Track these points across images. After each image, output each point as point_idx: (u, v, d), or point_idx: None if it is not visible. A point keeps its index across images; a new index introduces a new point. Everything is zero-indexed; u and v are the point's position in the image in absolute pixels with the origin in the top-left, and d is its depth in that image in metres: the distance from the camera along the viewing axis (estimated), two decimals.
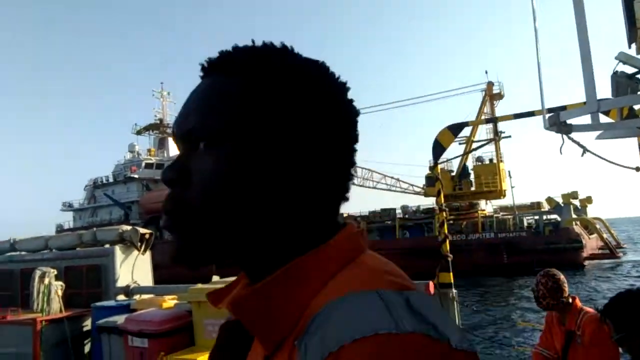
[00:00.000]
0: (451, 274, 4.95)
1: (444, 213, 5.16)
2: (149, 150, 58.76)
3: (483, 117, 37.78)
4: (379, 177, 45.70)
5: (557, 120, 2.60)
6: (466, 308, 7.62)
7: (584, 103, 3.01)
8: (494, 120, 6.88)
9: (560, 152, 3.12)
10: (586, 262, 33.96)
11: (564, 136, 3.16)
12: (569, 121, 2.87)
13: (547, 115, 2.60)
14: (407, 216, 41.50)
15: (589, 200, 37.79)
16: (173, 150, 58.12)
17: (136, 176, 53.96)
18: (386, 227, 41.35)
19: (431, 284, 4.42)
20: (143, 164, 54.91)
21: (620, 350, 2.65)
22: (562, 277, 3.44)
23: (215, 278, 4.70)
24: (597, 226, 36.38)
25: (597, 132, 3.09)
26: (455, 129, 4.97)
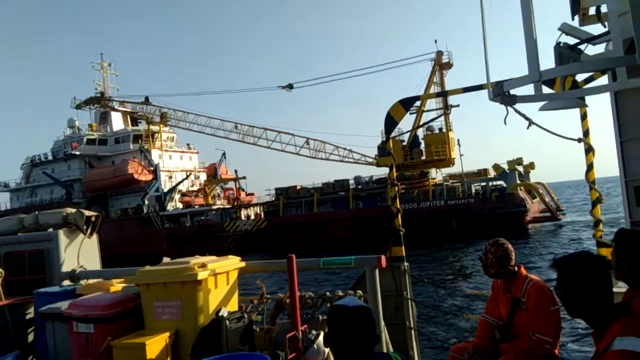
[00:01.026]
0: (403, 247, 5.01)
1: (397, 187, 5.19)
2: (90, 126, 55.79)
3: (433, 89, 38.42)
4: (331, 148, 45.87)
5: (501, 91, 2.60)
6: (418, 280, 7.82)
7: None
8: (444, 93, 7.01)
9: (505, 123, 3.17)
10: (530, 225, 35.77)
11: (508, 107, 3.20)
12: (513, 92, 2.90)
13: (492, 87, 2.59)
14: (360, 187, 42.05)
15: (531, 166, 39.50)
16: (117, 124, 55.59)
17: (78, 153, 51.51)
18: (340, 198, 41.79)
19: (383, 257, 4.46)
20: (84, 140, 52.39)
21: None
22: (510, 246, 3.54)
23: (166, 259, 4.60)
24: (540, 191, 38.17)
25: (541, 104, 3.15)
26: (407, 103, 4.96)
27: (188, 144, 58.32)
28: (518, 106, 2.92)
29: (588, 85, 3.72)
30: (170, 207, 49.11)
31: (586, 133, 4.30)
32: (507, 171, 36.99)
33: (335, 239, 35.52)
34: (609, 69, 3.23)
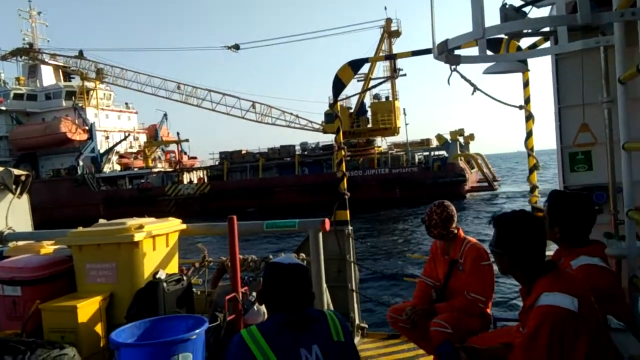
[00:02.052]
0: (348, 211, 5.03)
1: (343, 151, 5.16)
2: (17, 79, 51.59)
3: (382, 54, 38.49)
4: (277, 113, 45.30)
5: (445, 48, 2.57)
6: (361, 244, 7.95)
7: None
8: (392, 56, 7.03)
9: (448, 83, 3.18)
10: (468, 194, 37.36)
11: (453, 68, 3.21)
12: (457, 53, 2.89)
13: (437, 43, 2.56)
14: (306, 153, 42.04)
15: (471, 137, 40.92)
16: (47, 79, 51.80)
17: (4, 108, 47.64)
18: (285, 163, 41.62)
19: (326, 221, 4.45)
20: (11, 95, 48.38)
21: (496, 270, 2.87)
22: (454, 208, 3.62)
23: (102, 221, 4.41)
24: (479, 161, 39.77)
25: (486, 70, 3.17)
26: (355, 65, 4.90)
27: (126, 103, 55.54)
28: (464, 71, 2.92)
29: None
30: (107, 169, 47.08)
31: (527, 100, 4.41)
32: (449, 141, 38.18)
33: (280, 205, 35.55)
34: (551, 33, 3.30)
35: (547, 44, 3.65)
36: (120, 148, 49.90)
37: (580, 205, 2.62)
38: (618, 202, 3.08)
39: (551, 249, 2.81)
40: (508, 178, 55.55)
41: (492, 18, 2.79)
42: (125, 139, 50.02)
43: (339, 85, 4.85)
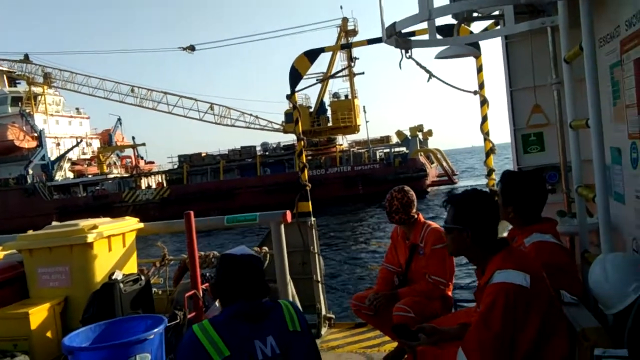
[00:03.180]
0: (310, 203, 5.01)
1: (302, 142, 5.14)
2: None
3: (339, 56, 38.72)
4: (237, 114, 44.76)
5: (394, 31, 2.58)
6: (326, 235, 7.97)
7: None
8: (348, 45, 7.09)
9: (400, 67, 3.21)
10: (429, 189, 38.09)
11: (408, 55, 3.24)
12: (410, 37, 2.91)
13: (386, 26, 2.57)
14: (267, 153, 41.77)
15: (429, 133, 41.80)
16: None
17: None
18: (247, 164, 41.20)
19: (288, 213, 4.42)
20: None
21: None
22: (413, 193, 3.66)
23: (55, 223, 4.28)
24: (438, 156, 40.64)
25: (438, 55, 3.21)
26: (311, 55, 4.88)
27: (77, 109, 53.64)
28: (418, 56, 2.94)
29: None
30: (59, 176, 45.29)
31: (481, 85, 4.52)
32: (409, 137, 38.82)
33: (242, 206, 35.07)
34: (501, 16, 3.37)
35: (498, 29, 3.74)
36: (73, 155, 48.12)
37: (531, 183, 2.69)
38: (569, 181, 3.18)
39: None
40: (465, 172, 57.04)
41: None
42: (77, 145, 48.29)
43: (295, 75, 4.83)
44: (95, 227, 3.80)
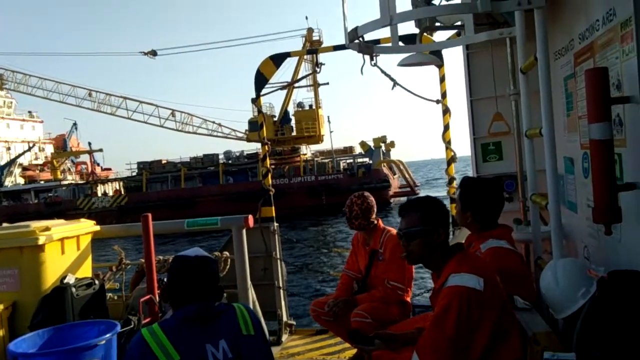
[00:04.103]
0: (273, 208, 4.97)
1: (267, 146, 5.10)
2: None
3: (304, 66, 38.87)
4: (199, 121, 44.16)
5: (356, 36, 2.62)
6: (288, 241, 7.90)
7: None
8: (314, 51, 7.09)
9: (362, 73, 3.26)
10: (392, 200, 38.56)
11: (373, 63, 3.29)
12: (373, 44, 2.95)
13: (348, 31, 2.60)
14: (230, 162, 41.34)
15: (392, 144, 42.43)
16: None
17: None
18: (209, 173, 40.64)
19: (250, 217, 4.36)
20: None
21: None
22: (373, 199, 3.68)
23: (5, 224, 4.11)
24: (401, 167, 41.26)
25: (401, 62, 3.28)
26: (277, 59, 4.88)
27: (30, 112, 51.62)
28: (383, 65, 2.98)
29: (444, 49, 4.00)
30: (9, 182, 43.50)
31: (444, 95, 4.61)
32: (373, 148, 39.29)
33: (203, 215, 34.36)
34: (462, 27, 3.48)
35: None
36: (24, 160, 46.30)
37: (489, 189, 2.76)
38: (526, 190, 3.28)
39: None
40: (426, 183, 58.19)
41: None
42: (29, 150, 46.52)
43: (261, 79, 4.81)
44: (47, 228, 3.64)
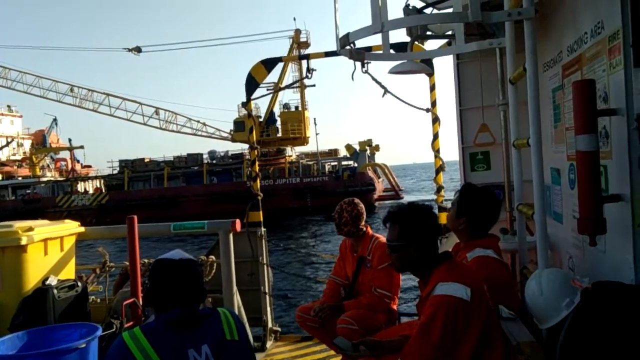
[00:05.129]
0: (260, 212, 4.95)
1: (256, 151, 5.08)
2: None
3: (291, 67, 38.87)
4: (183, 120, 43.67)
5: (347, 42, 2.63)
6: (274, 246, 7.86)
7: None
8: (306, 57, 7.08)
9: (352, 79, 3.28)
10: (376, 203, 38.70)
11: (364, 70, 3.29)
12: (364, 51, 2.95)
13: (339, 37, 2.62)
14: (215, 161, 41.05)
15: (377, 148, 42.61)
16: None
17: None
18: (193, 172, 40.28)
19: (237, 221, 4.34)
20: None
21: None
22: (363, 206, 3.69)
23: None
24: (385, 171, 41.42)
25: (391, 70, 3.30)
26: (268, 64, 4.88)
27: (9, 106, 50.57)
28: (374, 72, 2.99)
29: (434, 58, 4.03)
30: None
31: (434, 104, 4.64)
32: (358, 151, 39.39)
33: (186, 215, 34.15)
34: (453, 36, 3.52)
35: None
36: (1, 155, 45.29)
37: (488, 199, 2.77)
38: (513, 200, 3.32)
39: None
40: (410, 188, 58.55)
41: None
42: (7, 145, 45.59)
43: (252, 83, 4.80)
44: (30, 229, 3.57)
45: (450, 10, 3.46)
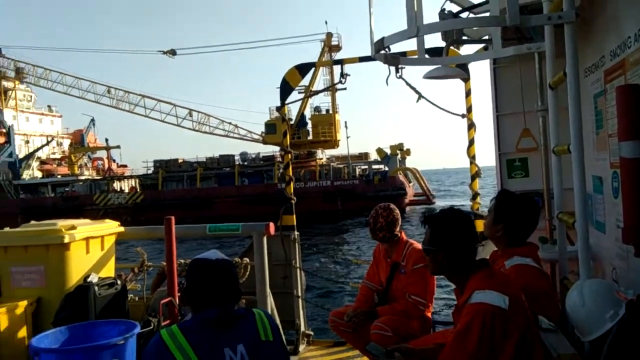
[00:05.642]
0: (294, 216, 4.97)
1: (290, 155, 5.12)
2: None
3: (322, 70, 38.99)
4: (216, 122, 44.42)
5: (382, 46, 2.62)
6: (307, 250, 7.88)
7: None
8: (340, 62, 7.06)
9: (387, 84, 3.26)
10: (407, 208, 38.33)
11: (398, 75, 3.28)
12: (398, 56, 2.94)
13: (374, 41, 2.61)
14: (246, 163, 41.49)
15: (408, 152, 42.19)
16: None
17: None
18: (225, 173, 40.81)
19: (271, 225, 4.37)
20: None
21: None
22: (398, 212, 3.67)
23: (33, 222, 4.11)
24: (417, 175, 40.97)
25: (426, 75, 3.28)
26: (303, 69, 4.92)
27: (49, 106, 52.43)
28: (408, 78, 2.97)
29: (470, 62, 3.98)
30: (26, 175, 44.11)
31: (469, 109, 4.56)
32: (389, 155, 39.11)
33: (219, 216, 34.71)
34: (490, 41, 3.46)
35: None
36: (42, 153, 46.96)
37: (526, 206, 2.69)
38: (552, 208, 3.23)
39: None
40: (440, 192, 57.74)
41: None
42: (47, 144, 47.19)
43: (286, 88, 4.85)
44: (73, 227, 3.70)
45: (487, 14, 3.42)
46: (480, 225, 3.80)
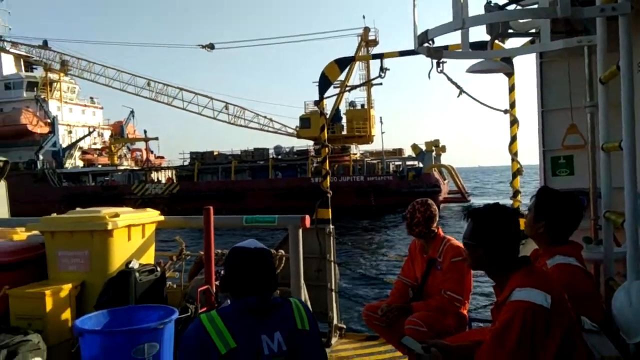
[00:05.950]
0: (329, 210, 4.99)
1: (327, 149, 5.13)
2: None
3: (358, 65, 38.65)
4: (251, 115, 44.81)
5: (426, 39, 2.57)
6: (342, 244, 7.89)
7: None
8: (380, 56, 6.97)
9: (429, 77, 3.20)
10: (442, 205, 37.79)
11: (439, 70, 3.22)
12: (441, 50, 2.88)
13: (418, 34, 2.56)
14: (280, 157, 41.77)
15: (443, 149, 41.54)
16: (7, 68, 49.44)
17: None
18: (259, 167, 41.21)
19: (307, 217, 4.40)
20: None
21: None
22: (436, 207, 3.63)
23: (78, 209, 4.27)
24: (452, 173, 40.30)
25: (470, 68, 3.20)
26: (342, 63, 4.91)
27: (92, 98, 54.04)
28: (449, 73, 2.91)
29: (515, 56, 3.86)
30: (69, 164, 45.62)
31: (512, 105, 4.45)
32: (424, 152, 38.60)
33: (252, 209, 35.14)
34: (537, 34, 3.36)
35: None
36: (84, 144, 48.51)
37: (569, 203, 2.61)
38: (598, 208, 3.13)
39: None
40: (475, 190, 56.69)
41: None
42: (89, 134, 48.66)
43: (325, 82, 4.86)
44: (116, 215, 3.83)
45: (535, 6, 3.31)
46: (522, 223, 3.71)
